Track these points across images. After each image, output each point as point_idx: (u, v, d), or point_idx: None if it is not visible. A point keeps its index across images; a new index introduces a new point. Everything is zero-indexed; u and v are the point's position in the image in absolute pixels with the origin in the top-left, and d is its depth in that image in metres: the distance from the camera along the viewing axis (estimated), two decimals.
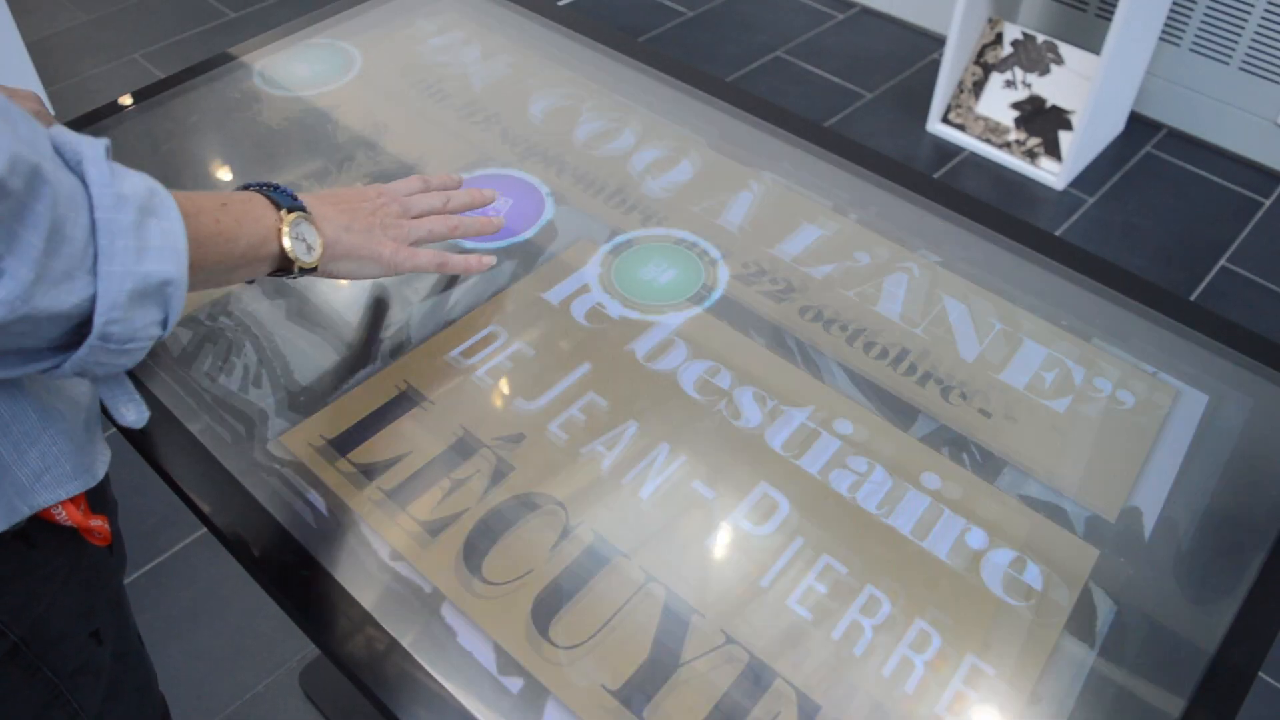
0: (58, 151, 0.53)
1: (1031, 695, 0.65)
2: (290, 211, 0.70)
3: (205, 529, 1.68)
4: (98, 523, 0.70)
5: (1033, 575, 0.71)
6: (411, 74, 1.18)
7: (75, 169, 0.53)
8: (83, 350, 0.54)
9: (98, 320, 0.53)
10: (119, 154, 1.07)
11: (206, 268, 0.63)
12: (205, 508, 0.76)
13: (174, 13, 2.95)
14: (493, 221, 0.90)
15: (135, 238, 0.53)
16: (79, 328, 0.53)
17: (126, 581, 1.63)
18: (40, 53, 2.73)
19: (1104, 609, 0.70)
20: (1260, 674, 1.55)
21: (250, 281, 0.74)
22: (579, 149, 1.07)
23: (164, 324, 0.57)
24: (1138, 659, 0.67)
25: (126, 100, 1.15)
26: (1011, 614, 0.69)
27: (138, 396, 0.67)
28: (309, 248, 0.71)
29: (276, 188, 0.72)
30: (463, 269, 0.86)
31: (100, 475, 0.69)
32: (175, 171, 1.05)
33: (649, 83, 1.16)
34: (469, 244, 0.94)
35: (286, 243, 0.69)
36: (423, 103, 1.14)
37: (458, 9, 1.29)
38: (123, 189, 0.54)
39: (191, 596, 1.61)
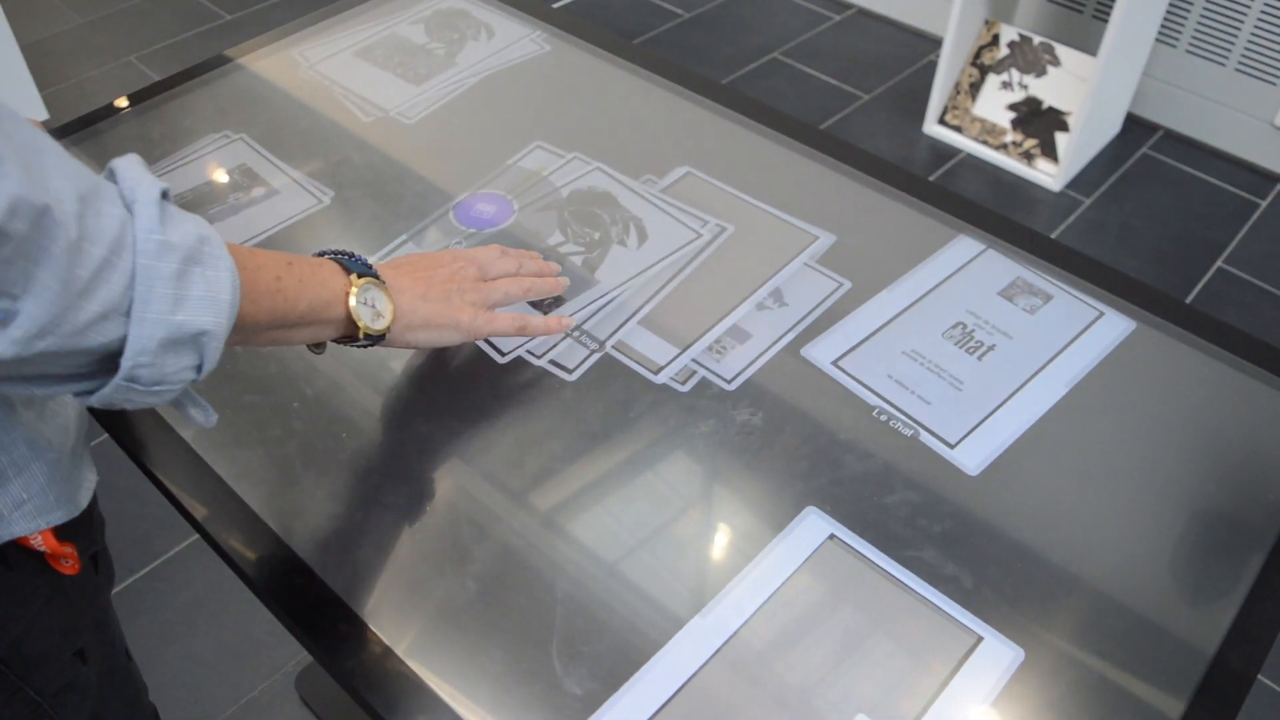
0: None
1: (1031, 697, 0.65)
2: (361, 277, 0.69)
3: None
4: (67, 550, 0.69)
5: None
6: (407, 76, 1.18)
7: (129, 210, 0.52)
8: (108, 388, 0.53)
9: (125, 363, 0.52)
10: (115, 157, 1.07)
11: (262, 323, 0.63)
12: (198, 514, 0.76)
13: (170, 15, 2.94)
14: (561, 282, 0.88)
15: (174, 286, 0.53)
16: (110, 359, 0.53)
17: (120, 587, 1.63)
18: (35, 55, 2.73)
19: (1104, 611, 0.69)
20: (1260, 677, 1.55)
21: (318, 350, 0.73)
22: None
23: (198, 369, 0.56)
24: (1137, 661, 0.67)
25: (122, 103, 1.14)
26: (1011, 618, 0.69)
27: (202, 401, 0.65)
28: (377, 314, 0.70)
29: (351, 256, 0.71)
30: (543, 330, 0.84)
31: (83, 505, 0.69)
32: (175, 174, 1.04)
33: (644, 85, 1.16)
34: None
35: (353, 305, 0.68)
36: (417, 105, 1.14)
37: (452, 12, 1.29)
38: (170, 236, 0.53)
39: (186, 601, 1.61)
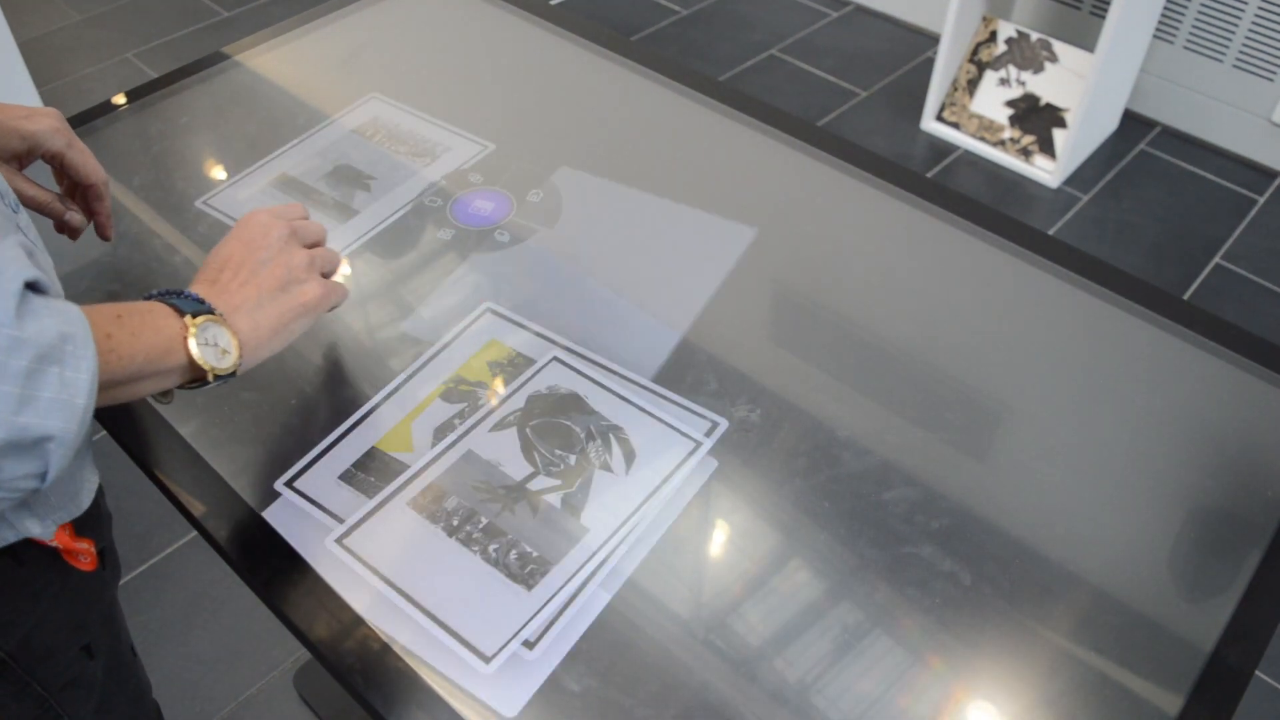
0: None
1: (1030, 694, 0.65)
2: (196, 316, 0.64)
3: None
4: (84, 546, 0.69)
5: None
6: (402, 73, 1.18)
7: None
8: None
9: None
10: (111, 154, 1.07)
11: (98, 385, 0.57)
12: (196, 511, 0.76)
13: (167, 12, 2.94)
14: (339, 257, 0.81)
15: (22, 385, 0.49)
16: None
17: (119, 584, 1.63)
18: (32, 52, 2.72)
19: (1102, 607, 0.69)
20: (1257, 672, 1.55)
21: (163, 398, 0.67)
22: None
23: (41, 478, 0.52)
24: (1135, 657, 0.67)
25: (120, 100, 1.14)
26: (1008, 614, 0.69)
27: (43, 511, 0.62)
28: (223, 351, 0.65)
29: (180, 294, 0.66)
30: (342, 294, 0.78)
31: (86, 504, 0.69)
32: (168, 171, 1.04)
33: (642, 83, 1.16)
34: None
35: (195, 350, 0.63)
36: (413, 102, 1.13)
37: (449, 8, 1.29)
38: (25, 331, 0.49)
39: (185, 599, 1.61)
